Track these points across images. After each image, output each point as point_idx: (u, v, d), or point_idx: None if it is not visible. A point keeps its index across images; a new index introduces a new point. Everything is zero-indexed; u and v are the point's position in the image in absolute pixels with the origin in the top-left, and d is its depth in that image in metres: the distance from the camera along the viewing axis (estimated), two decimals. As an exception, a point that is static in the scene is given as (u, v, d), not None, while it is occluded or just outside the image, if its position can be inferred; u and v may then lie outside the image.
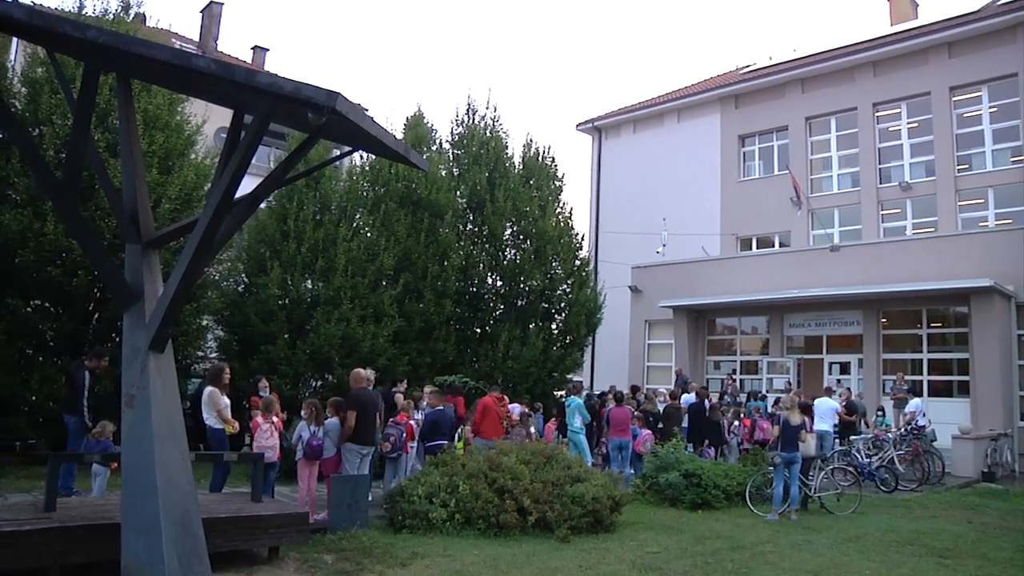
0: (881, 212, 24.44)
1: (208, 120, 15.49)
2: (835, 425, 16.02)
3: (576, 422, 13.91)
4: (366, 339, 14.72)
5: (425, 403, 12.03)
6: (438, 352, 16.69)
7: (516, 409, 14.35)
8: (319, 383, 15.25)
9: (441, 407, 11.49)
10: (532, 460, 9.94)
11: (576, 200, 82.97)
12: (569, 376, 20.32)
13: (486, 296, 19.01)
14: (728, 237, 27.30)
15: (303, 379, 14.98)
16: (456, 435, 11.97)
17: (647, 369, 26.01)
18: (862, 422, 16.99)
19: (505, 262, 19.08)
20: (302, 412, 10.01)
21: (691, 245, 26.37)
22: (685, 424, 15.76)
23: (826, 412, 15.41)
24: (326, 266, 15.09)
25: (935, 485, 14.75)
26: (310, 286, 15.38)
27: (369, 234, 16.43)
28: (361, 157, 18.69)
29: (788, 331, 22.80)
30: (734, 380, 22.37)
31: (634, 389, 18.72)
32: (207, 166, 14.45)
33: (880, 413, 17.13)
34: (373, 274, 15.63)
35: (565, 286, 19.87)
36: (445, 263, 17.39)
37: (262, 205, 15.17)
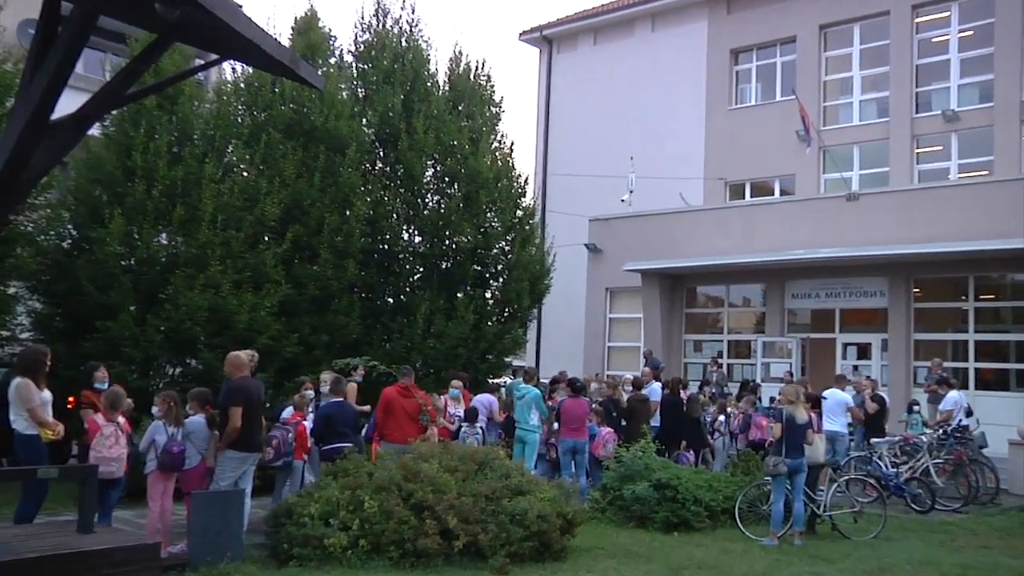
0: (916, 150, 25.08)
1: (5, 6, 14.87)
2: (850, 424, 16.48)
3: (532, 418, 14.03)
4: (242, 312, 14.49)
5: (326, 389, 12.03)
6: (338, 328, 16.58)
7: (486, 402, 14.52)
8: (178, 370, 15.01)
9: (340, 399, 11.45)
10: (460, 467, 9.98)
11: (519, 133, 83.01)
12: (509, 359, 20.39)
13: (401, 256, 18.95)
14: (714, 182, 27.70)
15: (156, 365, 14.74)
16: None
17: (608, 351, 26.35)
18: (884, 420, 17.43)
19: (426, 212, 19.00)
20: (154, 409, 9.83)
21: (666, 192, 26.68)
22: (657, 421, 16.01)
23: (838, 407, 15.82)
24: (187, 215, 14.75)
25: (985, 505, 14.83)
26: (165, 242, 15.04)
27: (246, 174, 16.15)
28: (234, 71, 18.28)
29: (790, 303, 23.33)
30: (719, 365, 22.87)
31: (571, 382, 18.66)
32: (10, 74, 13.85)
33: (916, 408, 17.40)
34: (251, 226, 15.37)
35: (503, 243, 19.91)
36: (347, 213, 17.22)
37: (95, 131, 14.86)
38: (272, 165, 16.31)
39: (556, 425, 14.34)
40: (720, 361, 23.39)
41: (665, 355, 23.69)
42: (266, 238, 16.00)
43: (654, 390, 16.93)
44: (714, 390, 20.46)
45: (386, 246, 18.63)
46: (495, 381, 20.31)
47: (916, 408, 17.40)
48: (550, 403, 15.17)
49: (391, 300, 18.84)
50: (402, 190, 18.91)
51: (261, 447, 10.13)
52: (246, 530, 9.55)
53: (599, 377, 21.74)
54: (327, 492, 9.46)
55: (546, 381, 18.85)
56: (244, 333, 14.37)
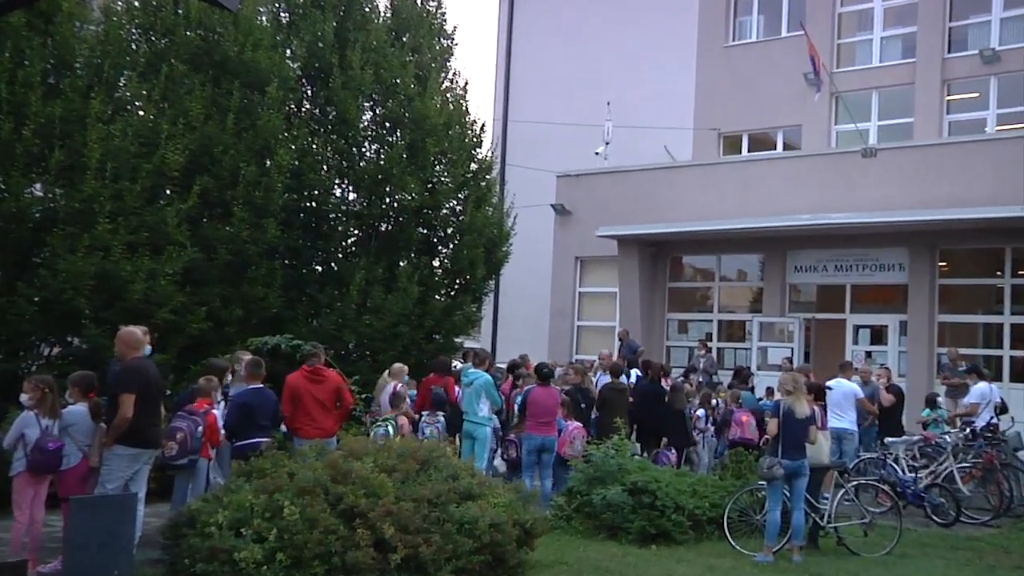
0: (947, 97, 25.27)
1: None
2: (863, 419, 16.59)
3: (483, 409, 14.03)
4: (137, 280, 14.22)
5: (236, 377, 11.93)
6: (255, 301, 16.44)
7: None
8: (55, 350, 14.77)
9: (259, 386, 11.35)
10: (399, 467, 9.90)
11: (475, 71, 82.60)
12: (460, 340, 20.32)
13: (332, 216, 18.84)
14: (705, 134, 27.76)
15: (27, 344, 14.49)
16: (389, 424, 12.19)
17: (577, 331, 26.46)
18: (900, 416, 17.57)
19: (362, 164, 18.91)
20: (24, 397, 9.65)
21: (648, 144, 26.72)
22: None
23: (846, 400, 15.91)
24: (68, 162, 14.40)
25: (1021, 518, 14.81)
26: (40, 193, 14.70)
27: (142, 113, 15.79)
28: (127, -15, 17.94)
29: (793, 277, 23.52)
30: (708, 349, 22.98)
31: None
32: None
33: (939, 402, 17.57)
34: (149, 177, 15.06)
35: (454, 202, 19.93)
36: (267, 163, 17.02)
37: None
38: (175, 103, 15.99)
39: (517, 418, 14.36)
40: (709, 344, 23.51)
41: (645, 337, 23.76)
42: (168, 191, 15.69)
43: (635, 377, 17.07)
44: (701, 378, 20.59)
45: (314, 203, 18.47)
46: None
47: (939, 403, 17.57)
48: (516, 392, 15.17)
49: (319, 268, 18.79)
50: (334, 137, 18.76)
51: (158, 442, 9.96)
52: (138, 543, 9.41)
53: (574, 365, 21.65)
54: (239, 496, 9.32)
55: (502, 366, 18.89)
56: (140, 306, 14.06)
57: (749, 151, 27.46)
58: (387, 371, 15.44)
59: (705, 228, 23.19)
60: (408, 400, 14.30)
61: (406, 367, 15.29)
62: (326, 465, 9.68)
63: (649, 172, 25.14)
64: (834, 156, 23.22)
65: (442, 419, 14.19)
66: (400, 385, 14.48)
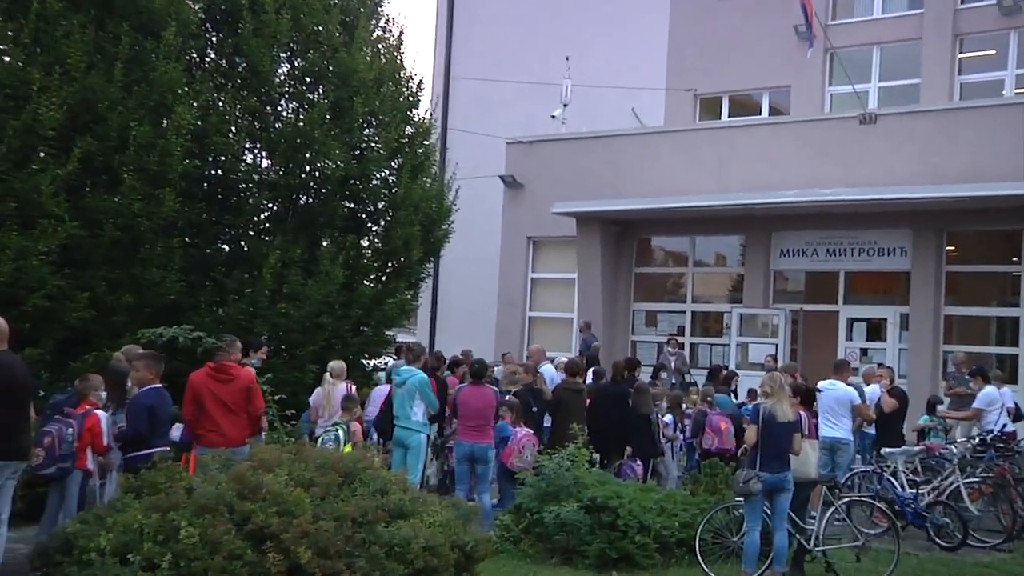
0: (958, 55, 25.44)
1: None
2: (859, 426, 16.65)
3: (416, 412, 13.95)
4: (3, 259, 14.05)
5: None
6: (149, 286, 16.30)
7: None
8: None
9: (158, 386, 11.26)
10: (318, 480, 9.82)
11: (412, 19, 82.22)
12: (392, 333, 20.21)
13: (242, 186, 18.70)
14: (679, 95, 27.82)
15: None
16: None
17: (529, 322, 26.54)
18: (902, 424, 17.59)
19: (278, 126, 18.80)
20: None
21: (613, 107, 26.79)
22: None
23: (840, 405, 15.89)
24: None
25: None
26: None
27: (8, 59, 15.58)
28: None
29: (779, 263, 23.70)
30: (680, 346, 22.99)
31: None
32: None
33: (942, 407, 17.63)
34: (18, 136, 14.86)
35: (386, 172, 19.90)
36: (164, 122, 16.84)
37: None
38: (49, 48, 15.71)
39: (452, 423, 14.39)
40: (680, 340, 23.54)
41: (607, 330, 23.83)
42: (41, 154, 15.52)
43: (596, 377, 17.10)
44: (673, 379, 20.63)
45: (220, 171, 18.31)
46: (374, 363, 20.19)
47: (940, 409, 17.67)
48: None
49: (226, 248, 18.68)
50: (244, 93, 18.52)
51: (26, 452, 9.79)
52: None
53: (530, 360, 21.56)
54: (126, 516, 9.18)
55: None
56: (7, 290, 13.95)
57: (729, 116, 27.61)
58: (328, 371, 15.56)
59: (678, 205, 23.25)
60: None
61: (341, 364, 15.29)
62: (231, 478, 9.56)
63: (614, 139, 25.20)
64: (828, 122, 23.36)
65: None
66: (352, 385, 14.47)
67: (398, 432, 14.02)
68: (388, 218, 19.87)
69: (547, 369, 17.57)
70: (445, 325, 29.67)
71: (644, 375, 19.13)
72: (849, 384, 16.21)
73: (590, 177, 24.53)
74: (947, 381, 18.96)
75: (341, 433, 13.17)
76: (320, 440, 13.27)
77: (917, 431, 17.76)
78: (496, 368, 18.34)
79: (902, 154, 21.19)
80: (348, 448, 12.67)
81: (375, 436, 15.48)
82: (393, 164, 19.93)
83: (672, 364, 21.80)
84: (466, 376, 16.56)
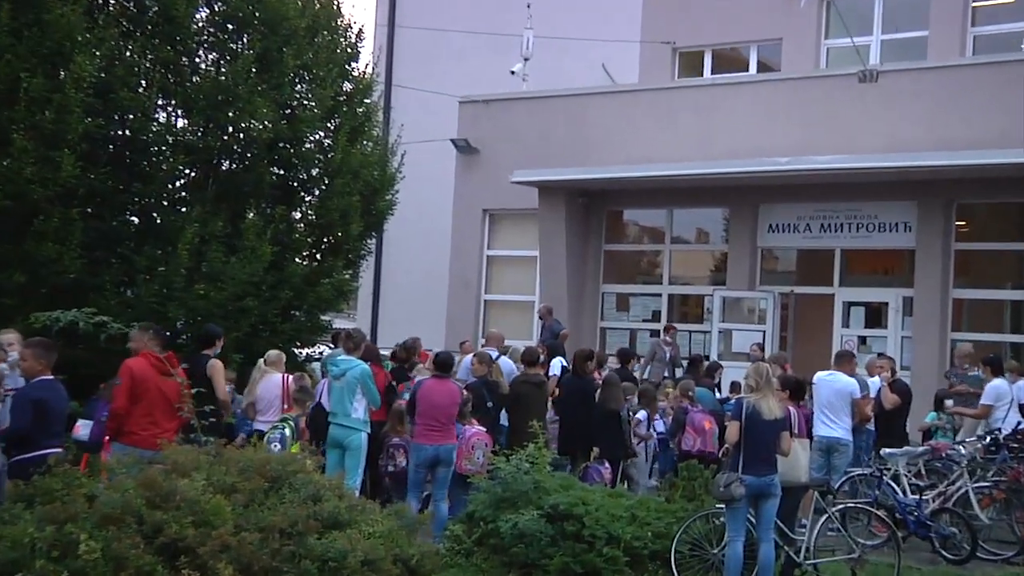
0: (972, 3, 25.36)
1: None
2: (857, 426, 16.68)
3: (357, 409, 13.98)
4: None
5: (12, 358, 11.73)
6: (44, 263, 16.18)
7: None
8: None
9: (50, 377, 11.14)
10: (241, 486, 9.80)
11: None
12: (328, 319, 20.14)
13: (154, 149, 18.52)
14: (656, 49, 27.79)
15: None
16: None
17: (484, 306, 26.61)
18: (904, 421, 17.61)
19: (195, 79, 18.61)
20: None
21: (581, 62, 26.80)
22: (552, 415, 16.15)
23: (840, 399, 15.91)
24: None
25: None
26: None
27: None
28: None
29: (766, 239, 23.83)
30: (673, 340, 22.73)
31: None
32: None
33: (949, 404, 17.62)
34: None
35: (321, 134, 19.86)
36: (61, 74, 16.72)
37: None
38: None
39: (406, 421, 14.44)
40: (676, 327, 23.41)
41: (573, 316, 23.87)
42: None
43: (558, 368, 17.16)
44: (665, 372, 20.65)
45: (128, 132, 18.11)
46: (307, 353, 20.13)
47: (948, 405, 17.74)
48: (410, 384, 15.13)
49: (135, 220, 18.49)
50: (156, 41, 18.25)
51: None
52: None
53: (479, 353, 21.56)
54: (15, 529, 9.08)
55: (387, 352, 18.83)
56: None
57: (713, 73, 27.61)
58: (262, 360, 15.61)
59: (653, 174, 23.26)
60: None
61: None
62: (140, 484, 9.48)
63: (581, 99, 25.22)
64: (823, 80, 23.47)
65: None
66: (291, 377, 14.58)
67: (334, 431, 13.98)
68: (323, 187, 19.80)
69: (505, 361, 17.52)
70: (389, 310, 29.60)
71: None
72: (853, 376, 16.27)
73: (554, 142, 24.56)
74: (948, 379, 18.76)
75: (288, 431, 13.18)
76: (265, 439, 13.21)
77: (923, 430, 17.83)
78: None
79: (907, 116, 21.29)
80: (295, 448, 12.67)
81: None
82: (329, 125, 19.85)
83: (667, 356, 21.81)
84: (410, 369, 16.52)
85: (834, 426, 15.49)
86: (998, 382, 17.00)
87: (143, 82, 18.15)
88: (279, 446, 13.29)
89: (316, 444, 14.42)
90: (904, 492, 15.04)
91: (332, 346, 18.56)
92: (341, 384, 14.00)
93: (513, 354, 17.85)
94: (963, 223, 21.98)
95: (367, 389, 14.12)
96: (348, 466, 13.82)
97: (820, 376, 15.82)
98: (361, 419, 14.02)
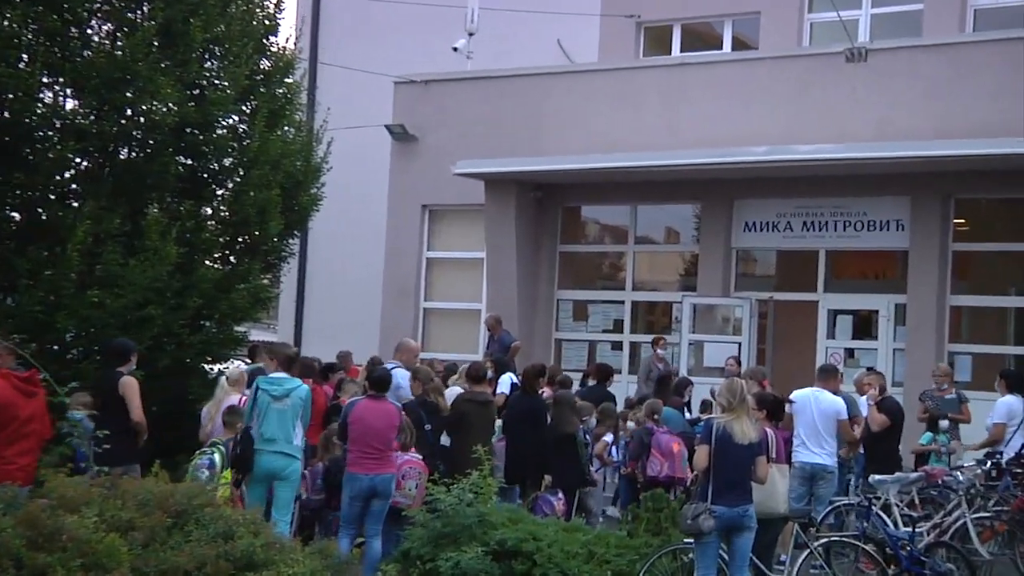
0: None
1: None
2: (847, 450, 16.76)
3: (298, 434, 13.93)
4: None
5: None
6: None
7: None
8: None
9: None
10: (140, 523, 9.78)
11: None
12: (243, 331, 20.05)
13: (40, 135, 18.46)
14: (618, 24, 27.89)
15: None
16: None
17: (424, 315, 26.58)
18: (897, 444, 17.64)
19: (88, 54, 18.46)
20: None
21: (534, 38, 26.91)
22: (500, 438, 16.18)
23: (827, 420, 15.85)
24: None
25: None
26: None
27: None
28: None
29: (742, 239, 23.92)
30: (662, 357, 22.53)
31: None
32: None
33: (944, 426, 17.61)
34: None
35: (235, 119, 19.79)
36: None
37: None
38: None
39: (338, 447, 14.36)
40: (665, 339, 23.01)
41: (524, 325, 23.86)
42: None
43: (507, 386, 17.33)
44: (646, 390, 20.58)
45: (8, 113, 17.95)
46: (219, 369, 20.02)
47: (944, 426, 17.77)
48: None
49: (16, 215, 18.35)
50: (39, 9, 18.00)
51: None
52: None
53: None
54: None
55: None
56: None
57: (682, 51, 27.72)
58: (224, 377, 15.81)
59: (615, 165, 23.30)
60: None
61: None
62: (19, 522, 9.41)
63: (533, 79, 25.27)
64: (807, 60, 23.58)
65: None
66: (242, 397, 14.60)
67: (271, 461, 13.74)
68: (238, 179, 19.66)
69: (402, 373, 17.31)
70: (314, 320, 29.66)
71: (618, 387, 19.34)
72: (839, 394, 16.23)
73: (503, 128, 24.59)
74: (922, 402, 18.52)
75: (218, 456, 13.15)
76: (192, 465, 13.24)
77: (918, 454, 17.86)
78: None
79: (900, 100, 21.41)
80: (228, 476, 12.70)
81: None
82: (244, 108, 19.74)
83: (654, 373, 21.67)
84: (341, 384, 16.41)
85: (819, 451, 15.40)
86: (1010, 399, 17.12)
87: (25, 56, 17.89)
88: (207, 473, 13.22)
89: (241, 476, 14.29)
90: (895, 524, 14.97)
91: (248, 361, 18.47)
92: (283, 407, 13.85)
93: (421, 372, 17.36)
94: (962, 221, 22.12)
95: (306, 413, 14.06)
96: (284, 499, 13.69)
97: (800, 394, 15.76)
98: (299, 446, 13.93)
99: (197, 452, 14.03)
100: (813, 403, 15.67)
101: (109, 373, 14.41)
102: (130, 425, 13.80)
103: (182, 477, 13.06)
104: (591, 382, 20.20)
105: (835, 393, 16.12)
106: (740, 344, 22.56)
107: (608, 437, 17.24)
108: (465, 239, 25.98)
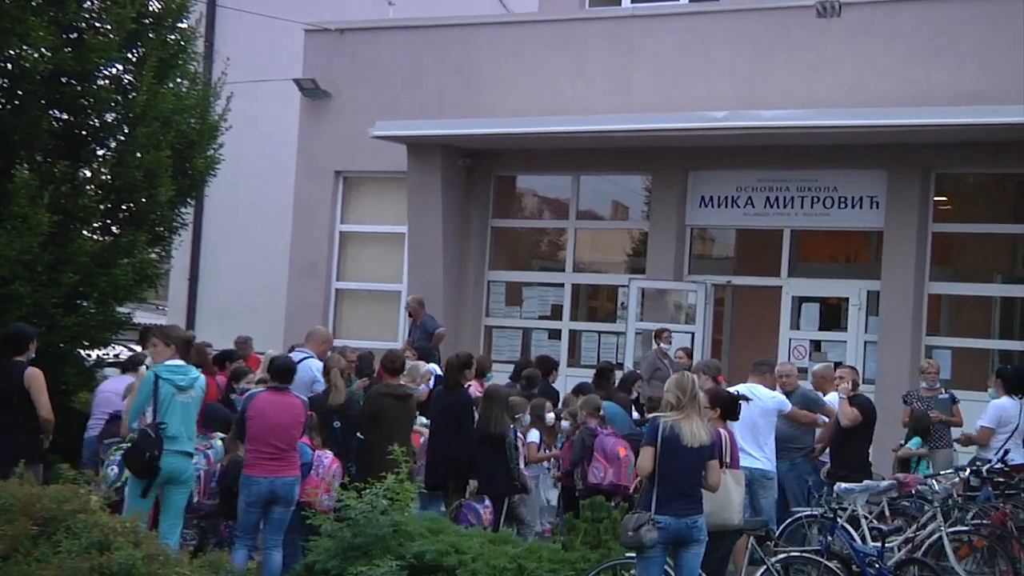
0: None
1: None
2: (798, 449, 16.93)
3: (188, 432, 13.75)
4: None
5: None
6: None
7: None
8: None
9: None
10: (1, 530, 9.80)
11: None
12: (128, 312, 19.94)
13: None
14: (560, -30, 27.88)
15: None
16: None
17: (336, 296, 26.61)
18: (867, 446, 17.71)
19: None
20: None
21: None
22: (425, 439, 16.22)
23: (763, 420, 15.86)
24: None
25: None
26: None
27: None
28: None
29: (697, 215, 24.04)
30: (666, 352, 22.35)
31: None
32: None
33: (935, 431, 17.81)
34: None
35: (119, 68, 19.65)
36: None
37: None
38: None
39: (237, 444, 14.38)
40: (669, 330, 22.53)
41: (450, 309, 23.89)
42: None
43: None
44: (642, 389, 20.43)
45: None
46: (98, 355, 19.93)
47: (933, 430, 17.82)
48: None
49: None
50: None
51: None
52: None
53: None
54: None
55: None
56: None
57: (633, 1, 27.59)
58: (143, 367, 15.61)
59: (555, 129, 23.37)
60: None
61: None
62: None
63: (464, 30, 25.35)
64: (772, 14, 23.56)
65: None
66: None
67: (172, 462, 13.55)
68: (122, 137, 19.51)
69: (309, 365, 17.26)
70: (211, 301, 29.64)
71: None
72: (791, 391, 16.47)
73: (429, 86, 24.69)
74: (906, 403, 18.70)
75: None
76: (105, 463, 13.30)
77: (903, 458, 17.87)
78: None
79: (877, 62, 21.54)
80: None
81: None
82: (130, 56, 19.55)
83: (671, 370, 21.42)
84: (237, 377, 16.39)
85: (756, 454, 15.50)
86: (1005, 401, 17.22)
87: None
88: (116, 470, 13.16)
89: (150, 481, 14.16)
90: (863, 538, 15.00)
91: (133, 349, 18.37)
92: (188, 399, 13.70)
93: (332, 362, 17.23)
94: (944, 199, 22.31)
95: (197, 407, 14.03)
96: (177, 505, 13.54)
97: (744, 387, 15.66)
98: (188, 449, 13.85)
99: (114, 447, 14.00)
100: (767, 401, 15.83)
101: (7, 365, 14.35)
102: (38, 422, 13.84)
103: (55, 480, 12.97)
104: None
105: (769, 385, 16.28)
106: (693, 334, 22.65)
107: (534, 435, 17.17)
108: (384, 211, 26.01)
